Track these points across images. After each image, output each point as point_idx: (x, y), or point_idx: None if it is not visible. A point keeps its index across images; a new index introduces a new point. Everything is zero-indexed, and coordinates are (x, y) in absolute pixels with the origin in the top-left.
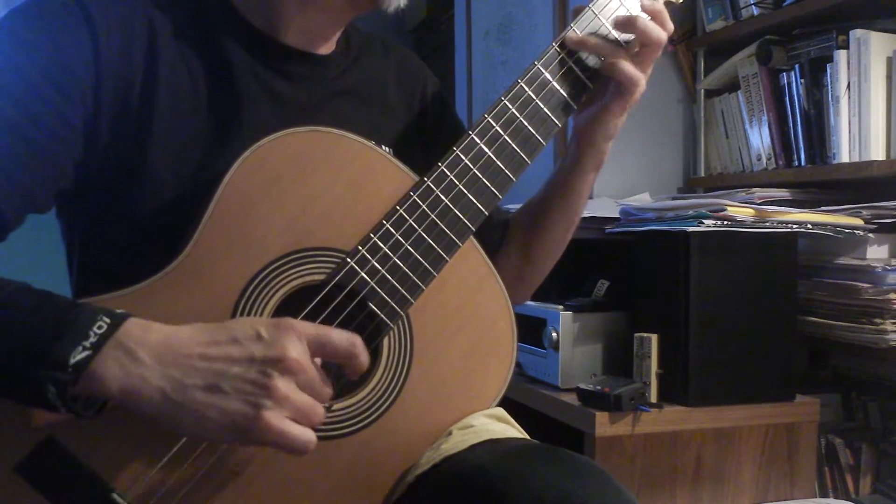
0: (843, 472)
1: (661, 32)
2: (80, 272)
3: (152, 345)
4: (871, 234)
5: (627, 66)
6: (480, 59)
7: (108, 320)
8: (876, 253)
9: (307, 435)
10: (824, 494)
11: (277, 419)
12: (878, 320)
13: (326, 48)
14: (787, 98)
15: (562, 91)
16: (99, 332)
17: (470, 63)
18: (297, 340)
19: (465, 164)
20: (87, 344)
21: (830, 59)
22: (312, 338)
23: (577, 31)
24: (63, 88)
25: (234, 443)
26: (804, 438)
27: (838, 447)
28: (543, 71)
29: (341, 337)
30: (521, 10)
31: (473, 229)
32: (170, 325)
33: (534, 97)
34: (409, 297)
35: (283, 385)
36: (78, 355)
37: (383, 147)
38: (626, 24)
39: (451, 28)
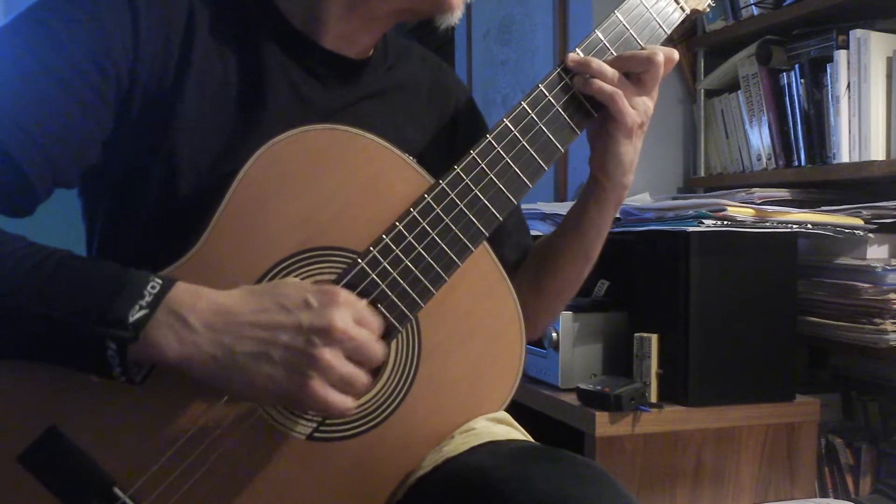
0: (843, 472)
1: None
2: (99, 252)
3: (203, 311)
4: (871, 234)
5: (599, 83)
6: (480, 59)
7: (159, 281)
8: (876, 253)
9: (347, 403)
10: (824, 494)
11: (321, 387)
12: (878, 320)
13: (363, 53)
14: (787, 98)
15: (581, 96)
16: (153, 291)
17: (470, 63)
18: (344, 308)
19: (482, 168)
20: (143, 303)
21: (830, 59)
22: (357, 311)
23: (579, 52)
24: (102, 67)
25: (280, 405)
26: (804, 438)
27: (838, 447)
28: (564, 76)
29: (374, 322)
30: (521, 10)
31: (487, 234)
32: (218, 291)
33: (554, 103)
34: (419, 300)
35: (329, 354)
36: (136, 314)
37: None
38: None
39: (451, 28)
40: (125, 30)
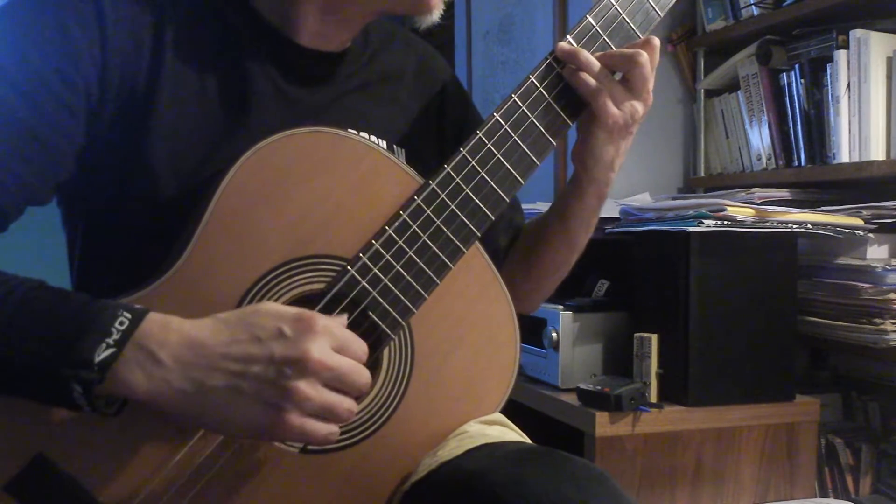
0: (843, 472)
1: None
2: (81, 262)
3: (173, 345)
4: (871, 234)
5: (584, 76)
6: (480, 59)
7: (128, 315)
8: (876, 253)
9: (328, 429)
10: (824, 494)
11: (297, 419)
12: (878, 320)
13: (341, 45)
14: (787, 98)
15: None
16: (121, 328)
17: (470, 63)
18: (321, 338)
19: (473, 166)
20: (110, 341)
21: (830, 59)
22: (337, 339)
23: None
24: (69, 78)
25: (256, 439)
26: (804, 438)
27: (838, 447)
28: (556, 66)
29: (359, 350)
30: (521, 10)
31: (479, 235)
32: (190, 321)
33: (546, 94)
34: (411, 306)
35: (304, 386)
36: (102, 353)
37: (395, 147)
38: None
39: (451, 28)
40: (92, 37)
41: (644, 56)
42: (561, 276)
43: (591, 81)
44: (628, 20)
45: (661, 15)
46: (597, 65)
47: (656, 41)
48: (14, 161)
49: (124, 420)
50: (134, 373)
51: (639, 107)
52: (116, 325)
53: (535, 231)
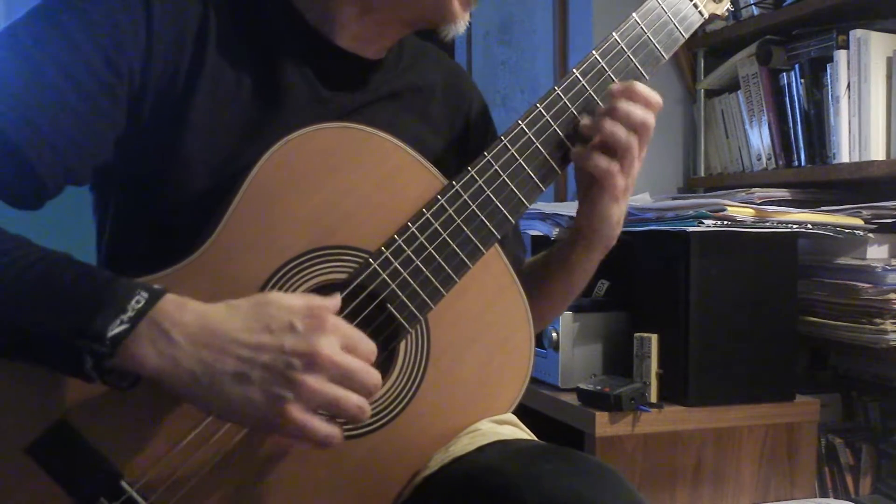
0: (843, 472)
1: (643, 115)
2: (109, 247)
3: (187, 325)
4: (871, 234)
5: (597, 159)
6: (480, 59)
7: (146, 295)
8: (876, 253)
9: (329, 430)
10: (824, 494)
11: (299, 412)
12: (878, 320)
13: (377, 53)
14: (787, 98)
15: (596, 98)
16: (137, 306)
17: (470, 63)
18: (331, 335)
19: (495, 170)
20: (124, 318)
21: (830, 59)
22: (346, 338)
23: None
24: (114, 64)
25: (258, 430)
26: (804, 438)
27: (838, 447)
28: (581, 79)
29: (367, 350)
30: (521, 10)
31: (499, 236)
32: (205, 305)
33: (569, 105)
34: (429, 302)
35: (311, 380)
36: (116, 328)
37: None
38: (593, 127)
39: None
40: (139, 29)
41: (652, 118)
42: (555, 316)
43: (603, 163)
44: (653, 40)
45: (686, 36)
46: (624, 137)
47: (641, 89)
48: (57, 139)
49: (146, 393)
50: (145, 348)
51: (638, 165)
52: (133, 303)
53: (534, 276)
